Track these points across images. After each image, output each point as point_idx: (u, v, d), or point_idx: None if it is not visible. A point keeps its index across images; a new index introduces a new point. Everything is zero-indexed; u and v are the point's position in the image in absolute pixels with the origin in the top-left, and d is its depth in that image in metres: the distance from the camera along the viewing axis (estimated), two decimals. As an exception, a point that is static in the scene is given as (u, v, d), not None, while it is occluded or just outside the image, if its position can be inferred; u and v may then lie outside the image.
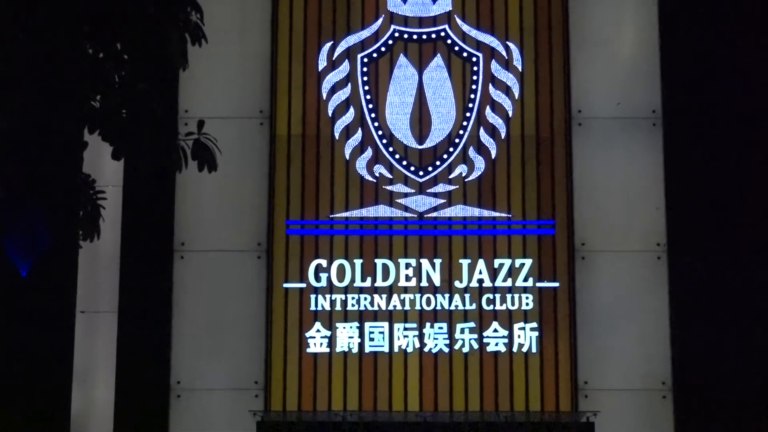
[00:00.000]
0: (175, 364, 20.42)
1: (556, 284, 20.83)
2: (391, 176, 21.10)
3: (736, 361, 19.55)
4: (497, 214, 21.07)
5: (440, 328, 20.68)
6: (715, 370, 19.72)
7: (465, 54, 21.42)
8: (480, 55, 21.40)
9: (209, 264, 20.78)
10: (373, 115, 21.22)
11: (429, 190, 21.11)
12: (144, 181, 19.83)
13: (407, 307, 20.73)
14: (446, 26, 21.45)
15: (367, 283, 20.78)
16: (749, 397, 19.53)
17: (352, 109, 21.22)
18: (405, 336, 20.64)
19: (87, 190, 7.66)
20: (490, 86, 21.26)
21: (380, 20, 21.50)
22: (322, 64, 21.38)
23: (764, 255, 19.82)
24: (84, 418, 20.29)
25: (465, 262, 20.82)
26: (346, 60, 21.40)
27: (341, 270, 20.83)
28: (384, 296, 20.74)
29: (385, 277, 20.80)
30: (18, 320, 19.94)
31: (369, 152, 21.15)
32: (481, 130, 21.13)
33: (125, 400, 20.35)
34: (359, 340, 20.61)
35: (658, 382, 20.25)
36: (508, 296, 20.77)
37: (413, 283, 20.81)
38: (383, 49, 21.43)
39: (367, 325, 20.68)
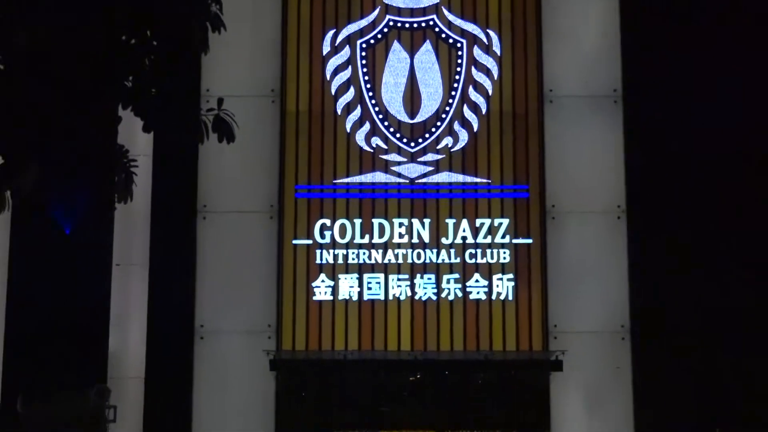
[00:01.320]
0: (199, 310, 20.49)
1: (530, 241, 20.90)
2: (386, 147, 21.14)
3: (683, 308, 19.65)
4: (478, 180, 21.11)
5: (429, 278, 20.76)
6: (667, 315, 19.83)
7: (451, 40, 21.41)
8: (464, 41, 21.38)
9: (228, 223, 20.82)
10: (370, 94, 21.22)
11: (419, 159, 21.15)
12: (171, 151, 19.84)
13: (400, 260, 20.79)
14: (434, 16, 21.42)
15: (366, 240, 20.84)
16: (695, 338, 19.63)
17: (352, 89, 21.22)
18: (398, 286, 20.71)
19: (121, 159, 7.71)
20: (473, 68, 21.26)
21: (377, 11, 21.47)
22: (326, 49, 21.35)
23: (709, 215, 19.87)
24: (119, 357, 20.37)
25: (450, 222, 20.89)
26: (347, 46, 21.38)
27: (343, 228, 20.89)
28: (380, 251, 20.80)
29: (381, 235, 20.86)
30: (62, 272, 20.11)
31: (367, 126, 21.17)
32: (465, 107, 21.15)
33: (155, 341, 20.43)
34: (359, 289, 20.69)
35: (618, 325, 20.35)
36: (488, 251, 20.83)
37: (405, 239, 20.87)
38: (379, 36, 21.40)
39: (365, 276, 20.75)
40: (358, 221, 20.87)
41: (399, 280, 20.74)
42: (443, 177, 21.11)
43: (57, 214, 19.58)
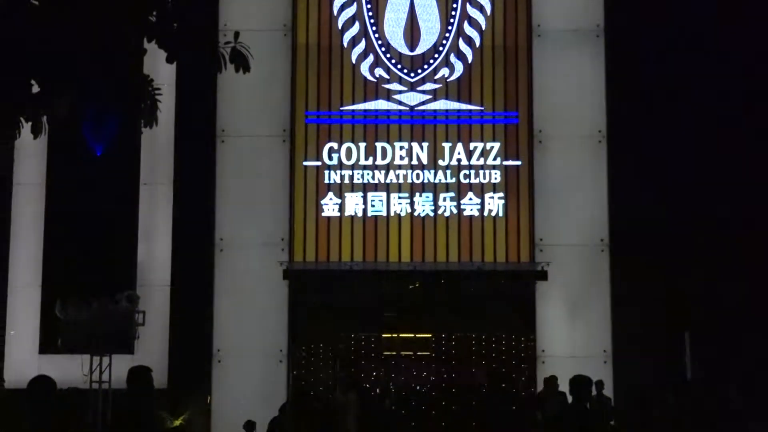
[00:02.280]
0: (219, 225, 20.55)
1: (519, 162, 20.90)
2: (388, 77, 21.04)
3: (658, 223, 19.69)
4: (472, 107, 21.05)
5: (427, 197, 20.79)
6: (643, 230, 19.87)
7: (448, -22, 21.26)
8: (460, -21, 21.24)
9: (244, 146, 20.79)
10: (374, 28, 21.06)
11: (418, 88, 21.07)
12: (192, 80, 19.75)
13: (401, 180, 20.81)
14: (433, -44, 21.25)
15: (369, 162, 20.84)
16: (668, 251, 19.71)
17: (357, 23, 21.04)
18: (399, 203, 20.76)
19: (147, 88, 7.69)
20: (468, 5, 21.05)
21: (380, -49, 21.30)
22: (334, -14, 21.24)
23: (683, 140, 19.83)
24: (147, 266, 20.48)
25: (447, 145, 20.87)
26: (353, -17, 21.26)
27: (349, 151, 20.88)
28: (383, 172, 20.81)
29: (384, 157, 20.85)
30: (94, 190, 20.14)
31: (371, 58, 21.05)
32: (460, 40, 21.00)
33: (179, 253, 20.55)
34: (363, 206, 20.74)
35: (598, 239, 20.42)
36: (481, 172, 20.84)
37: (406, 161, 20.86)
38: (382, -26, 21.26)
39: (369, 194, 20.78)
40: (362, 144, 20.86)
41: (400, 198, 20.78)
42: (440, 104, 21.06)
43: (89, 138, 19.52)
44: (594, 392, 13.65)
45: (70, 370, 16.05)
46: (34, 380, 7.59)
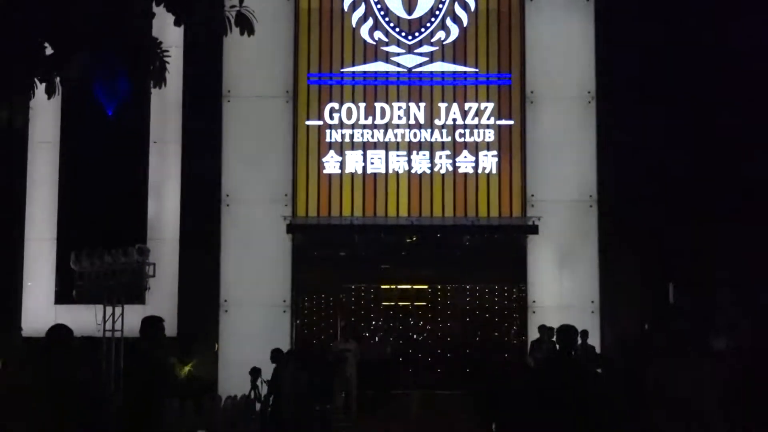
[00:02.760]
0: (225, 181, 20.53)
1: (511, 122, 20.85)
2: (387, 40, 20.93)
3: (644, 179, 19.68)
4: (467, 69, 20.96)
5: (424, 155, 20.76)
6: (628, 187, 19.87)
7: (444, -56, 21.10)
8: (455, -55, 21.07)
9: (249, 106, 20.72)
10: (373, -8, 21.01)
11: (416, 51, 20.97)
12: (199, 43, 19.62)
13: (399, 139, 20.78)
14: None
15: (369, 121, 20.79)
16: (651, 207, 19.71)
17: (357, -12, 20.99)
18: (397, 161, 20.73)
19: (155, 50, 7.64)
20: (463, -30, 20.99)
21: None
22: (334, -48, 21.06)
23: (668, 101, 19.76)
24: (157, 221, 20.50)
25: (443, 105, 20.80)
26: (353, -51, 21.09)
27: (349, 111, 20.82)
28: (381, 131, 20.76)
29: (382, 117, 20.79)
30: (106, 149, 20.09)
31: (370, 21, 20.91)
32: (456, 5, 20.85)
33: (187, 208, 20.53)
34: (363, 164, 20.71)
35: (587, 195, 20.42)
36: (475, 131, 20.80)
37: (403, 121, 20.81)
38: (381, -60, 21.09)
39: (368, 152, 20.75)
40: (362, 105, 20.80)
41: (398, 156, 20.75)
42: (437, 66, 20.96)
43: (101, 98, 19.43)
44: (579, 341, 13.68)
45: (84, 319, 16.08)
46: (52, 328, 7.62)
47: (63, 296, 19.40)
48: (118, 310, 17.08)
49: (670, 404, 9.77)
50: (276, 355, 14.59)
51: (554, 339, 16.49)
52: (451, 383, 21.78)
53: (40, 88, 6.73)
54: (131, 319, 15.60)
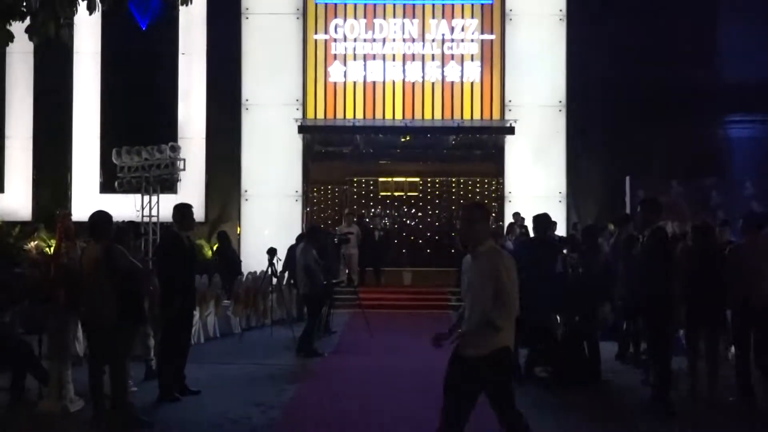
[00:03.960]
0: (244, 88, 20.46)
1: (493, 36, 20.68)
2: (384, -37, 20.69)
3: (606, 87, 19.62)
4: (455, -11, 20.79)
5: (416, 65, 20.69)
6: (594, 93, 19.83)
7: None
8: None
9: (265, 23, 20.53)
10: None
11: (409, -25, 20.78)
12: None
13: (394, 51, 20.65)
14: None
15: (369, 35, 20.64)
16: (614, 110, 19.70)
17: None
18: (393, 70, 20.66)
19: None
20: None
21: None
22: None
23: (630, 15, 19.58)
24: (186, 122, 20.50)
25: (433, 22, 20.62)
26: None
27: (352, 27, 20.65)
28: (379, 44, 20.63)
29: (380, 32, 20.63)
30: (139, 59, 19.99)
31: (370, -53, 20.65)
32: (445, -68, 20.55)
33: (212, 111, 20.55)
34: (363, 73, 20.63)
35: (557, 101, 20.38)
36: (462, 44, 20.67)
37: (399, 35, 20.65)
38: None
39: (368, 63, 20.66)
40: (362, 21, 20.63)
41: (393, 66, 20.66)
42: (428, -11, 20.76)
43: (136, 14, 19.31)
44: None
45: (125, 207, 16.23)
46: (94, 213, 7.76)
47: (106, 187, 19.55)
48: (153, 198, 17.24)
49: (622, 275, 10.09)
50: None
51: (525, 224, 16.88)
52: (438, 261, 22.15)
53: (82, 5, 6.71)
54: (165, 206, 15.78)
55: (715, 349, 8.66)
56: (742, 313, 8.32)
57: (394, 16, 20.69)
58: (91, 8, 6.63)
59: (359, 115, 20.68)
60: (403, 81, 20.66)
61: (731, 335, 8.82)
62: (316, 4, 20.74)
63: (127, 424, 7.17)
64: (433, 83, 20.68)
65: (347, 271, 17.16)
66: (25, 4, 6.35)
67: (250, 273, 16.67)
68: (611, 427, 7.65)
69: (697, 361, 8.59)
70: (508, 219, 19.02)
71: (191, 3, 7.68)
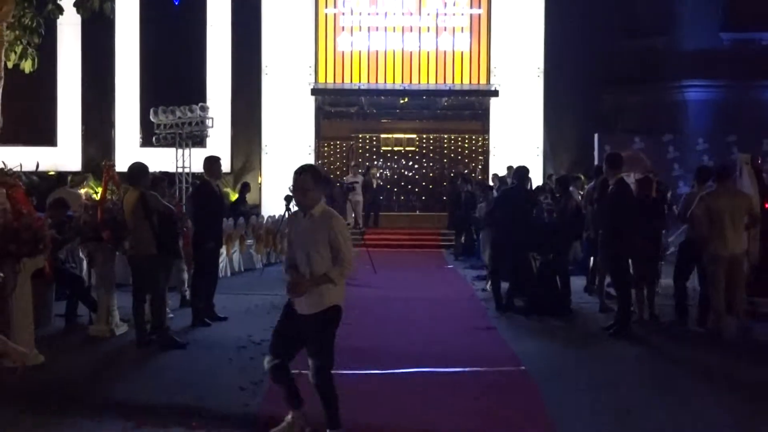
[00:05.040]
0: (264, 55, 20.26)
1: (481, 11, 20.42)
2: (386, -55, 20.29)
3: (580, 55, 19.41)
4: (448, -31, 20.44)
5: (413, 36, 20.45)
6: (568, 60, 19.64)
7: None
8: None
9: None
10: None
11: (408, -46, 20.39)
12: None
13: (395, 23, 20.42)
14: None
15: (373, 10, 20.38)
16: (586, 74, 19.53)
17: None
18: (393, 41, 20.44)
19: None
20: None
21: None
22: None
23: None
24: (214, 85, 20.39)
25: (428, -1, 20.42)
26: None
27: (357, 1, 20.38)
28: (381, 17, 20.39)
29: (382, 7, 20.37)
30: (173, 30, 19.69)
31: (374, -70, 20.24)
32: None
33: (236, 75, 20.43)
34: (368, 43, 20.42)
35: (536, 67, 20.18)
36: (453, 18, 20.44)
37: (399, 10, 20.38)
38: None
39: (371, 34, 20.43)
40: (367, -3, 20.40)
41: (394, 37, 20.44)
42: (423, -33, 20.40)
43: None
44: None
45: (162, 159, 16.15)
46: (132, 164, 7.72)
47: (146, 141, 19.49)
48: (186, 152, 17.16)
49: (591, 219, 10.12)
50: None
51: (504, 176, 16.81)
52: (432, 206, 22.19)
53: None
54: (196, 159, 15.77)
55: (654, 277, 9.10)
56: (689, 249, 8.61)
57: (395, -7, 20.41)
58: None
59: (364, 80, 20.50)
60: (402, 50, 20.44)
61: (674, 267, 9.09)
62: (327, -18, 20.47)
63: (165, 345, 7.24)
64: (428, 52, 20.45)
65: (353, 215, 17.24)
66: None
67: (269, 216, 16.67)
68: (580, 346, 7.69)
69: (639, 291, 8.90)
70: (492, 171, 18.98)
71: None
